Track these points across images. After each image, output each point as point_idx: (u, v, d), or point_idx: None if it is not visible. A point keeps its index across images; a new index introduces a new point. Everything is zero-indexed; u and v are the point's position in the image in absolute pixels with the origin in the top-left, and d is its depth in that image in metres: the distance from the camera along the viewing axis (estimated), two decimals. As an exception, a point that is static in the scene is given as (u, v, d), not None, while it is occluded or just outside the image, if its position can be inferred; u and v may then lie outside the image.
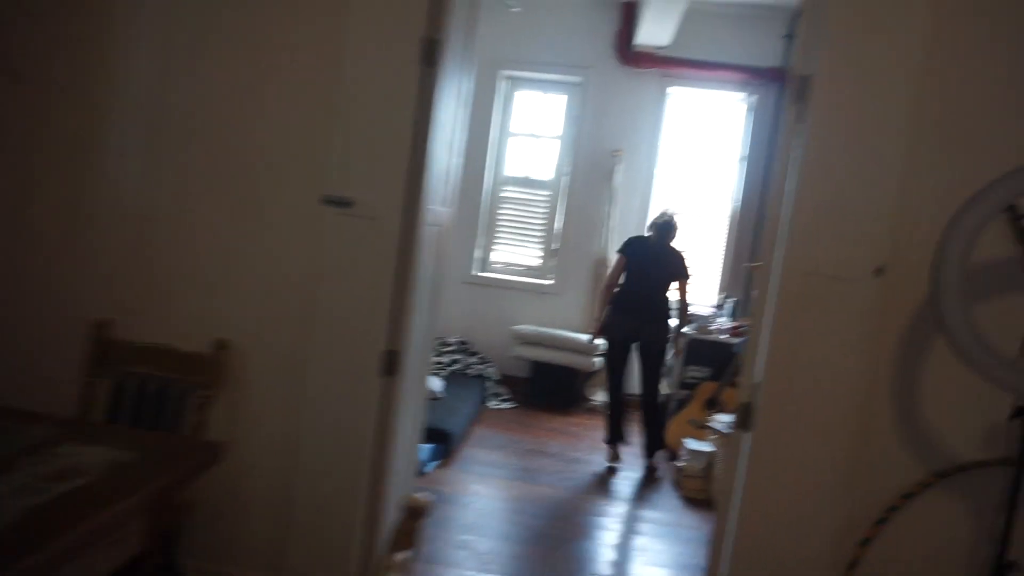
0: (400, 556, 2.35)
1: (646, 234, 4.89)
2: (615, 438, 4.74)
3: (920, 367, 2.17)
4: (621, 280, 4.75)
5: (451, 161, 2.45)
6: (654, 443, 4.74)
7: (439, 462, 4.33)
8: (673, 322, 4.78)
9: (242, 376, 2.43)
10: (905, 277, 2.15)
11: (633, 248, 4.77)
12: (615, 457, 4.72)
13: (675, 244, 4.76)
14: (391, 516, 2.47)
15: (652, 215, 6.27)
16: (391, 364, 2.28)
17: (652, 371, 4.72)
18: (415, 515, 2.40)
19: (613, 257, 6.14)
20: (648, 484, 4.53)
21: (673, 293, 4.76)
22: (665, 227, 4.78)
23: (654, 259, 4.69)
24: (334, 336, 2.28)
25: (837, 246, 2.11)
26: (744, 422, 2.17)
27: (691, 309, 4.91)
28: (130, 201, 2.44)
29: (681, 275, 4.73)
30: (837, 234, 2.11)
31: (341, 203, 2.21)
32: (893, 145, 2.06)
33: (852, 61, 2.04)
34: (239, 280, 2.41)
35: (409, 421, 2.50)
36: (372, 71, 2.18)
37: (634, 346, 4.69)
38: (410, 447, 2.56)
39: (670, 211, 4.87)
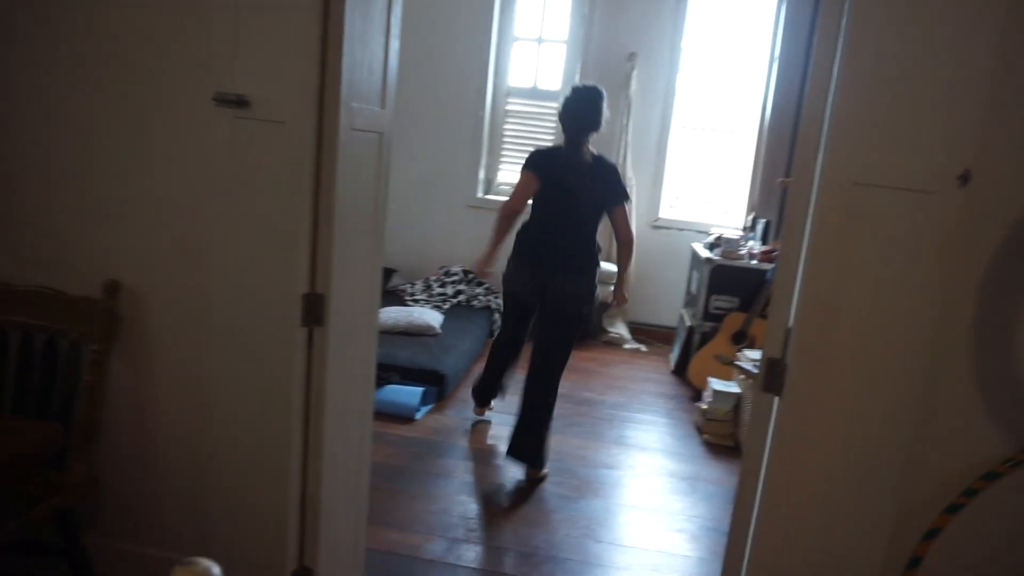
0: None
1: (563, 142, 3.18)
2: (484, 397, 3.72)
3: (1015, 308, 1.60)
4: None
5: (388, 46, 1.88)
6: (532, 447, 3.17)
7: (431, 407, 3.91)
8: (608, 267, 3.28)
9: (140, 326, 1.96)
10: (997, 186, 1.56)
11: (546, 165, 3.13)
12: (482, 411, 3.81)
13: (599, 149, 3.19)
14: (337, 488, 2.03)
15: (674, 127, 5.62)
16: (315, 311, 1.79)
17: (556, 338, 3.18)
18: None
19: (630, 176, 5.56)
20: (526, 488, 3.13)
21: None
22: (584, 116, 3.05)
23: (575, 180, 3.07)
24: (241, 277, 1.79)
25: (901, 145, 1.53)
26: (771, 383, 1.64)
27: (632, 249, 3.26)
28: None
29: (615, 200, 3.12)
30: (902, 130, 1.52)
31: (235, 102, 1.67)
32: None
33: None
34: (125, 207, 1.91)
35: (352, 378, 2.02)
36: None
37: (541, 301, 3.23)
38: (358, 408, 2.09)
39: (590, 86, 3.16)
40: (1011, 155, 1.55)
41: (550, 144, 3.14)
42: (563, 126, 3.14)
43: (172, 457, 2.03)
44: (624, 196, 3.16)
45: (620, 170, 5.50)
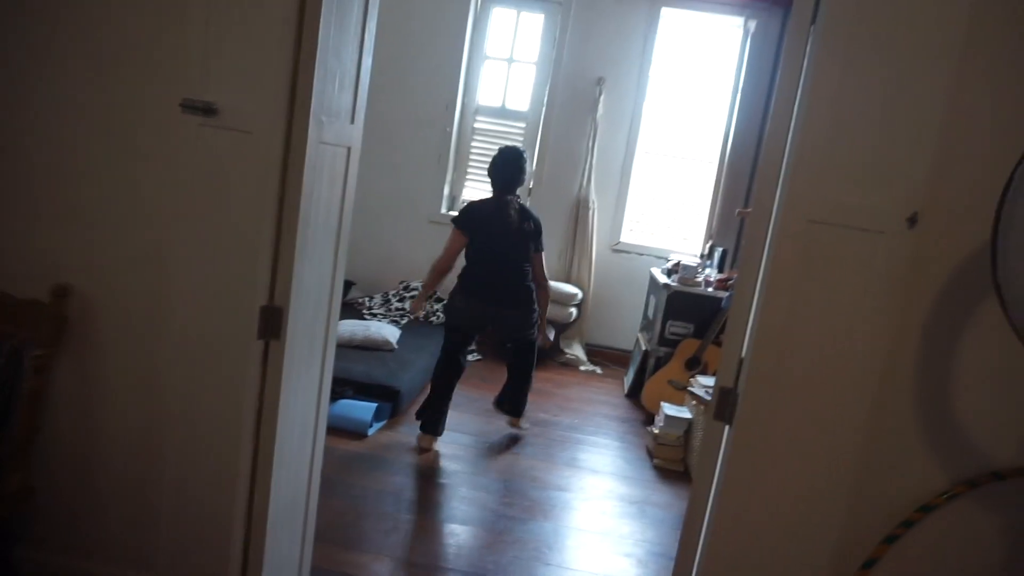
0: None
1: (489, 194, 3.70)
2: (435, 424, 3.69)
3: (954, 347, 1.67)
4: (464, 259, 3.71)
5: (361, 62, 1.88)
6: (516, 404, 3.93)
7: (384, 423, 3.87)
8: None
9: (90, 332, 1.91)
10: (940, 230, 1.63)
11: (474, 219, 3.59)
12: (427, 447, 3.67)
13: (523, 200, 3.80)
14: (284, 505, 2.00)
15: (638, 153, 5.72)
16: (273, 324, 1.77)
17: (521, 359, 3.85)
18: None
19: (592, 199, 5.64)
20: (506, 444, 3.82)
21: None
22: (511, 175, 3.59)
23: (503, 228, 3.55)
24: (199, 287, 1.76)
25: (856, 186, 1.59)
26: (722, 412, 1.68)
27: (549, 292, 3.85)
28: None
29: (534, 248, 3.63)
30: (856, 171, 1.58)
31: (203, 110, 1.66)
32: (942, 53, 1.52)
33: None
34: (82, 210, 1.86)
35: (306, 393, 2.00)
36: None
37: (492, 329, 3.76)
38: (311, 424, 2.07)
39: (514, 147, 3.71)
40: (958, 200, 1.62)
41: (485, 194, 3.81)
42: (492, 181, 3.66)
43: (118, 468, 1.97)
44: (540, 246, 3.66)
45: (584, 193, 5.60)
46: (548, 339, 3.90)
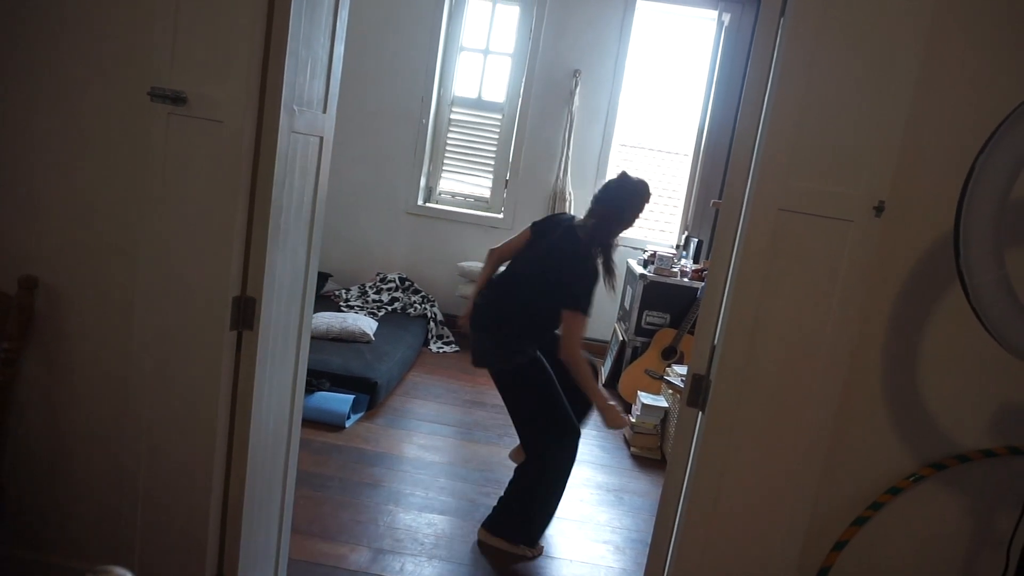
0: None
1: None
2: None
3: (920, 333, 1.70)
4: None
5: (332, 50, 1.87)
6: (502, 520, 2.80)
7: (362, 415, 3.86)
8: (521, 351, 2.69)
9: (58, 324, 1.88)
10: (906, 218, 1.66)
11: (541, 225, 2.91)
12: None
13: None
14: (260, 497, 1.99)
15: (615, 144, 5.74)
16: (245, 315, 1.75)
17: (512, 416, 2.81)
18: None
19: (569, 191, 5.66)
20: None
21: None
22: (601, 200, 2.82)
23: (542, 247, 2.79)
24: (169, 277, 1.73)
25: (824, 175, 1.61)
26: (696, 399, 1.70)
27: (581, 368, 2.63)
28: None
29: (560, 300, 2.61)
30: (825, 161, 1.60)
31: (172, 98, 1.63)
32: (907, 45, 1.54)
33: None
34: (49, 200, 1.83)
35: (281, 384, 1.98)
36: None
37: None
38: (286, 415, 2.05)
39: (634, 180, 2.90)
40: (923, 189, 1.66)
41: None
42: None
43: (89, 462, 1.95)
44: (569, 301, 2.60)
45: (561, 185, 5.60)
46: (618, 420, 2.75)
